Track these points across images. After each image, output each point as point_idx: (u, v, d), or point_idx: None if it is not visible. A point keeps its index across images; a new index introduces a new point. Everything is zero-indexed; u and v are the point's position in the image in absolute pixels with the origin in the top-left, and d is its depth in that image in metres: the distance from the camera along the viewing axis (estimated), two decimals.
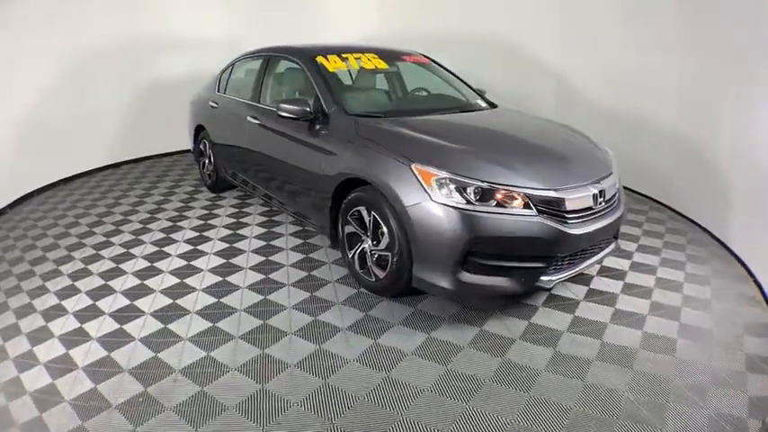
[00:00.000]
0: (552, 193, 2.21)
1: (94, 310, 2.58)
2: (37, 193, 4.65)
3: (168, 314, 2.51)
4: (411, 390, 1.94)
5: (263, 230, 3.57)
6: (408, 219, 2.25)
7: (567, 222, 2.22)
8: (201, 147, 4.50)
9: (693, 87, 3.52)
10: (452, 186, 2.18)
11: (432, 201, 2.18)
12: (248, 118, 3.55)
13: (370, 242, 2.55)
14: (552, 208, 2.21)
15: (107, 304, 2.62)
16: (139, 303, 2.62)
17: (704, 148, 3.45)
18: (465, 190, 2.17)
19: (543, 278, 2.26)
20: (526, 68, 4.96)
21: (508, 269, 2.22)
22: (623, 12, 4.03)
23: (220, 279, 2.86)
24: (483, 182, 2.17)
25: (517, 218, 2.15)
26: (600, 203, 2.37)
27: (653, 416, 1.80)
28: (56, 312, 2.57)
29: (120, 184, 4.93)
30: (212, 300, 2.63)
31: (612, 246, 2.67)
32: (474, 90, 3.59)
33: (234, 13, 5.86)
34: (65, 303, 2.65)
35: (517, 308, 2.51)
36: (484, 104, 3.38)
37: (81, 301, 2.67)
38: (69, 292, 2.78)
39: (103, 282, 2.87)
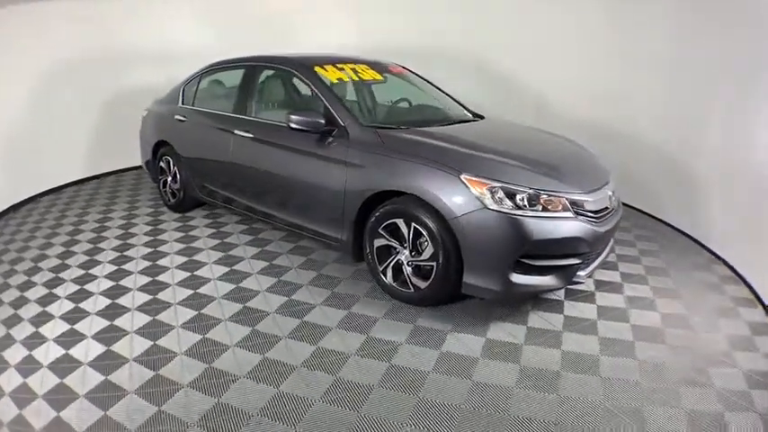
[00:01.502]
0: (584, 196, 2.42)
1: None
2: None
3: (207, 351, 2.31)
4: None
5: (256, 249, 3.38)
6: (461, 227, 2.31)
7: (595, 222, 2.46)
8: (163, 164, 4.10)
9: (672, 101, 3.78)
10: (503, 194, 2.29)
11: (486, 209, 2.26)
12: (236, 131, 3.33)
13: (407, 253, 2.57)
14: (584, 209, 2.42)
15: (126, 349, 2.34)
16: (165, 343, 2.37)
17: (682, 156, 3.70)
18: (515, 197, 2.29)
19: (579, 273, 2.47)
20: (503, 83, 5.11)
21: (552, 268, 2.38)
22: (606, 27, 4.23)
23: (241, 306, 2.67)
24: (530, 188, 2.31)
25: (560, 220, 2.32)
26: (612, 203, 2.65)
27: None
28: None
29: (71, 207, 4.38)
30: (246, 329, 2.46)
31: (611, 242, 2.98)
32: (456, 101, 3.73)
33: (202, 26, 5.55)
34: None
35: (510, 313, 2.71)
36: (470, 115, 3.49)
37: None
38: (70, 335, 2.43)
39: (108, 322, 2.55)
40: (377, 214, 2.62)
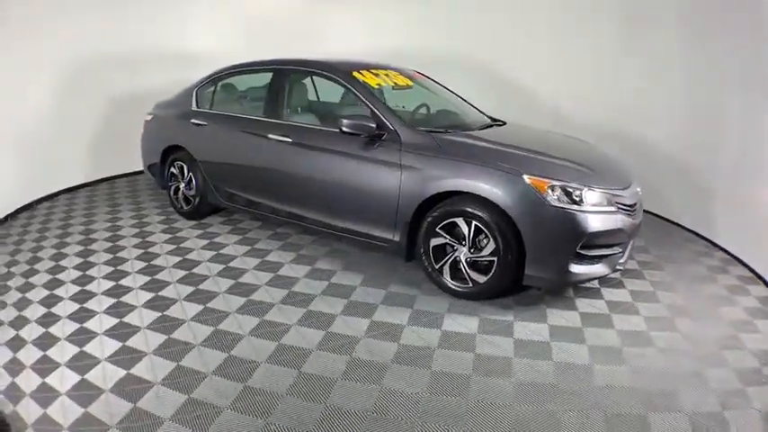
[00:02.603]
0: (621, 192, 2.69)
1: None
2: None
3: (291, 358, 2.31)
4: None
5: (293, 254, 3.37)
6: (525, 223, 2.49)
7: (631, 214, 2.74)
8: (174, 170, 3.95)
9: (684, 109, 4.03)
10: (561, 192, 2.49)
11: (548, 206, 2.46)
12: (270, 135, 3.31)
13: (466, 251, 2.72)
14: (623, 204, 2.69)
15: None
16: (239, 353, 2.34)
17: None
18: (571, 194, 2.50)
19: (620, 260, 2.74)
20: (521, 92, 5.22)
21: (602, 257, 2.63)
22: (619, 40, 4.45)
23: (305, 310, 2.69)
24: (584, 186, 2.53)
25: (608, 214, 2.56)
26: (639, 198, 2.95)
27: None
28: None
29: (73, 215, 4.13)
30: (320, 332, 2.48)
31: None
32: (474, 106, 3.91)
33: (206, 30, 5.45)
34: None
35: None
36: (489, 120, 3.64)
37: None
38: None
39: (165, 336, 2.46)
40: (434, 214, 2.74)
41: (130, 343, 2.39)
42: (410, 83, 3.55)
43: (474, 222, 2.63)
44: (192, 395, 2.03)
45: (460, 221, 2.67)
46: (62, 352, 2.33)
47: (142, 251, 3.41)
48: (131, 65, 5.01)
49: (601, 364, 2.28)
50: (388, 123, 2.92)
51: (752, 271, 3.29)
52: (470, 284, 2.73)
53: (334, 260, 3.29)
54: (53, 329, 2.52)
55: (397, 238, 2.91)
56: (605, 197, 2.59)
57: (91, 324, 2.56)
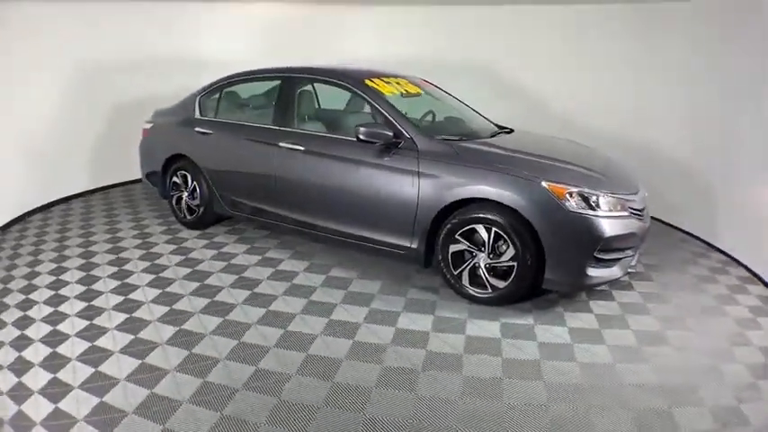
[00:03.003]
0: (631, 197, 2.79)
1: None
2: None
3: (324, 370, 2.30)
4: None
5: (306, 263, 3.35)
6: (545, 229, 2.55)
7: (641, 218, 2.84)
8: (177, 179, 3.88)
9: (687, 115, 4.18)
10: (579, 198, 2.57)
11: (568, 211, 2.53)
12: (281, 144, 3.29)
13: (485, 257, 2.76)
14: (634, 209, 2.79)
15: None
16: (266, 365, 2.31)
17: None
18: (588, 199, 2.58)
19: (632, 263, 2.84)
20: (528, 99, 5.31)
21: (616, 260, 2.72)
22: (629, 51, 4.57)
23: (327, 319, 2.68)
24: (600, 192, 2.62)
25: (622, 219, 2.65)
26: (646, 202, 3.07)
27: None
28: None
29: (69, 227, 4.00)
30: (347, 341, 2.48)
31: None
32: (479, 113, 3.96)
33: (206, 38, 5.35)
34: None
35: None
36: (496, 128, 3.67)
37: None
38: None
39: (187, 351, 2.41)
40: (454, 221, 2.78)
41: (150, 360, 2.32)
42: (419, 90, 3.60)
43: (494, 228, 2.68)
44: (225, 412, 1.99)
45: (480, 228, 2.72)
46: (74, 374, 2.24)
47: (149, 263, 3.33)
48: (129, 72, 4.90)
49: (622, 363, 2.36)
50: (404, 131, 2.95)
51: (750, 271, 3.45)
52: (490, 290, 2.78)
53: (349, 268, 3.29)
54: (61, 349, 2.39)
55: (415, 245, 2.94)
56: (619, 202, 2.69)
57: (103, 342, 2.46)
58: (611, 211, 2.64)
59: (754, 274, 3.39)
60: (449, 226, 2.80)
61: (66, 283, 3.06)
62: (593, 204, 2.59)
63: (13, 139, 4.07)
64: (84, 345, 2.44)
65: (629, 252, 2.79)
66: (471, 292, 2.83)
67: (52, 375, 2.21)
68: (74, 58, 4.48)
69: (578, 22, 4.85)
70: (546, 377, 2.24)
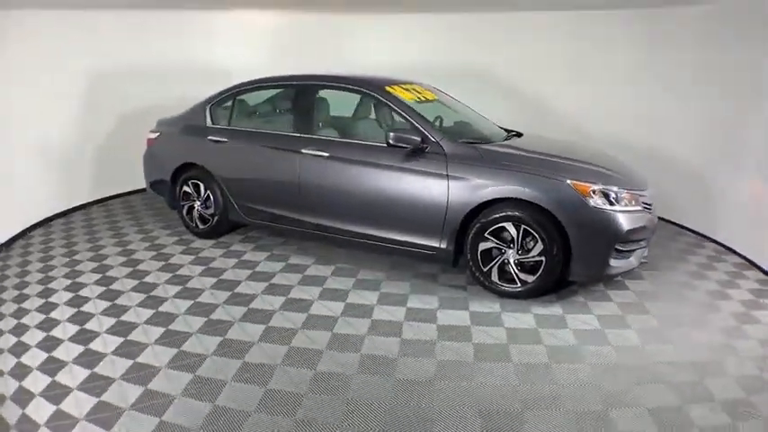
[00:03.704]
0: (645, 193, 3.03)
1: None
2: None
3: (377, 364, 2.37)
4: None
5: (331, 267, 3.40)
6: (571, 224, 2.74)
7: (651, 212, 3.09)
8: (188, 189, 3.82)
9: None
10: (601, 194, 2.78)
11: (591, 207, 2.73)
12: (303, 151, 3.33)
13: (514, 253, 2.92)
14: (645, 203, 3.03)
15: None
16: (323, 369, 2.36)
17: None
18: (609, 196, 2.79)
19: (645, 254, 3.09)
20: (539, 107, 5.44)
21: (632, 251, 2.94)
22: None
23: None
24: (619, 189, 2.84)
25: (637, 213, 2.88)
26: (654, 197, 3.33)
27: None
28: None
29: (74, 241, 3.86)
30: (394, 342, 2.56)
31: None
32: (486, 119, 4.11)
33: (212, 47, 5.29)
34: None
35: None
36: (505, 132, 3.81)
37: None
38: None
39: (238, 360, 2.42)
40: (483, 220, 2.92)
41: (201, 372, 2.30)
42: (435, 97, 3.73)
43: (522, 226, 2.85)
44: (297, 417, 2.02)
45: (509, 226, 2.88)
46: (121, 392, 2.21)
47: (170, 274, 3.29)
48: (130, 81, 4.77)
49: (650, 344, 2.57)
50: (430, 136, 3.07)
51: (746, 259, 3.72)
52: (519, 285, 2.94)
53: (375, 270, 3.37)
54: (99, 369, 2.31)
55: (444, 245, 3.06)
56: (633, 197, 2.92)
57: (143, 358, 2.40)
58: (627, 206, 2.86)
59: (750, 262, 3.70)
60: (478, 225, 2.94)
61: (87, 299, 2.97)
62: (613, 200, 2.80)
63: (14, 152, 3.90)
64: (127, 363, 2.37)
65: (643, 243, 3.03)
66: (501, 287, 2.98)
67: (97, 401, 2.16)
68: (71, 71, 4.34)
69: (581, 27, 5.03)
70: (587, 360, 2.42)
